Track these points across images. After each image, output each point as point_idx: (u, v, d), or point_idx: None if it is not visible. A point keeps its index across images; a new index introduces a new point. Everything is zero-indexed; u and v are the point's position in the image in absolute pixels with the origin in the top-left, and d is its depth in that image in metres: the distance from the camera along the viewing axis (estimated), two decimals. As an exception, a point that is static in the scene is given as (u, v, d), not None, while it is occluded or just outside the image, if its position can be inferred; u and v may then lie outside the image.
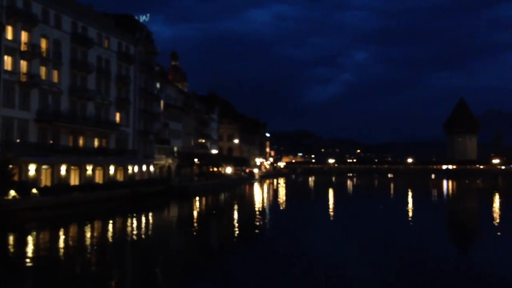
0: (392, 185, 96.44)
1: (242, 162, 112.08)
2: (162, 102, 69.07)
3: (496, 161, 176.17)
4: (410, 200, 58.97)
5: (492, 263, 21.41)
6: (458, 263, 22.09)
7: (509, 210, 48.08)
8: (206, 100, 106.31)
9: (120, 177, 54.47)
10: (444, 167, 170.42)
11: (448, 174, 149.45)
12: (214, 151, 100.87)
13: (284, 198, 61.94)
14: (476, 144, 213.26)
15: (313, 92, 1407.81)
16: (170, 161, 70.59)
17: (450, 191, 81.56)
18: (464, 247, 27.60)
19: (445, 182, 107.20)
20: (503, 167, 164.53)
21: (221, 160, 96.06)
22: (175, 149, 73.34)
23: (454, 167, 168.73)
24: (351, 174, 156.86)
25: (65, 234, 29.53)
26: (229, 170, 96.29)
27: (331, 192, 71.18)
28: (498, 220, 37.88)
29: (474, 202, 61.77)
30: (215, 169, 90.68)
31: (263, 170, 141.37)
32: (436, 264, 21.11)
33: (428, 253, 23.58)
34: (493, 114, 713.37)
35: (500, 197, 62.54)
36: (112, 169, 52.79)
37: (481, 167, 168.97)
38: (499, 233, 31.24)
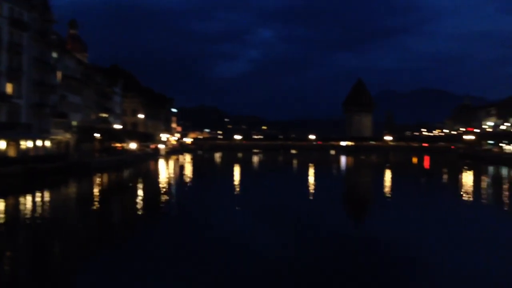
0: (295, 161, 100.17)
1: (147, 137, 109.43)
2: (59, 73, 64.81)
3: (388, 138, 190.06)
4: (310, 174, 61.74)
5: (386, 230, 23.29)
6: (355, 230, 23.72)
7: (398, 182, 52.54)
8: (108, 73, 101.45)
9: (12, 152, 50.63)
10: (343, 143, 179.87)
11: (346, 150, 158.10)
12: (117, 126, 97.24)
13: (190, 174, 61.73)
14: (371, 122, 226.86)
15: (219, 68, 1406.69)
16: (68, 136, 66.85)
17: (348, 165, 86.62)
18: (359, 215, 29.66)
19: (343, 157, 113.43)
20: (394, 144, 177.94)
21: (124, 135, 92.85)
22: (74, 123, 69.53)
23: (352, 143, 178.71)
24: (257, 150, 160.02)
25: None
26: (133, 146, 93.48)
27: (237, 168, 72.25)
28: (389, 191, 41.33)
29: (368, 175, 66.29)
30: (119, 144, 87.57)
31: (169, 146, 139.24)
32: (334, 232, 22.49)
33: (326, 224, 25.02)
34: (386, 94, 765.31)
35: (391, 171, 67.96)
36: (2, 144, 48.90)
37: (375, 143, 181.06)
38: (390, 203, 34.05)
